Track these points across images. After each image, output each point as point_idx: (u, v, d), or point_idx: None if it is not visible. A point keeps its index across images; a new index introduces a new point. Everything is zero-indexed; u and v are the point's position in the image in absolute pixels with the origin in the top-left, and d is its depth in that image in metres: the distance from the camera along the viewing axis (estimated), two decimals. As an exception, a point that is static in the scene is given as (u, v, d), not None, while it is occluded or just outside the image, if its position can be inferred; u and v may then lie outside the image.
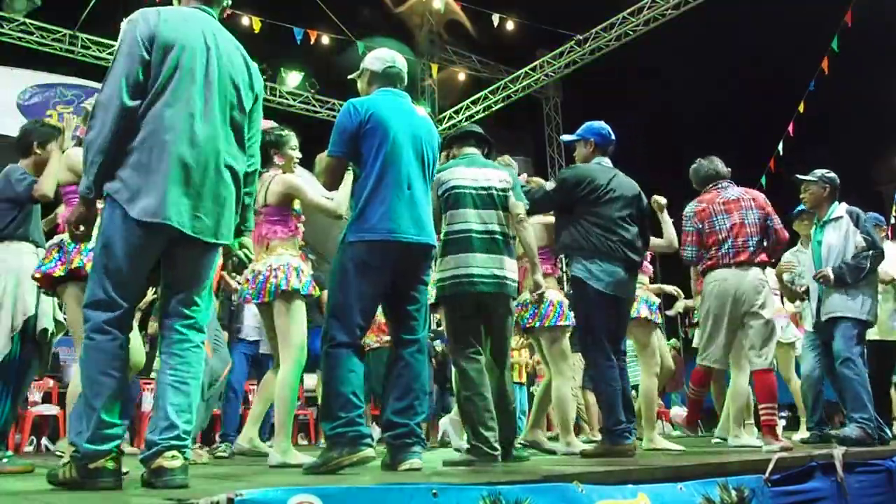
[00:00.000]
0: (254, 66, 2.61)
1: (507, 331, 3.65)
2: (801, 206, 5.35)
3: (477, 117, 13.86)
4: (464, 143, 3.79)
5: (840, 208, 4.53)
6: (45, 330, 3.84)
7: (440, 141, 3.35)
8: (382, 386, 3.11)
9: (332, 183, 3.16)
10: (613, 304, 3.81)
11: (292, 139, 3.96)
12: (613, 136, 4.13)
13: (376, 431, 5.46)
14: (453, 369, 3.64)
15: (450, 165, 3.66)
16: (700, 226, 4.27)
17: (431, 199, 3.42)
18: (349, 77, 3.41)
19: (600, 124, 4.14)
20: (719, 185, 4.38)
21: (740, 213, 4.21)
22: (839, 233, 4.46)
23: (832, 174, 4.60)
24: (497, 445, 3.33)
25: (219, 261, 2.57)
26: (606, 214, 3.83)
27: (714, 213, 4.25)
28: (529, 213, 3.78)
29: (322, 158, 3.34)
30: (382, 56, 3.28)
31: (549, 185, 4.07)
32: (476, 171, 3.61)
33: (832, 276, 4.34)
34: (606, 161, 4.07)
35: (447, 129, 14.55)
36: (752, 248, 4.16)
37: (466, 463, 3.28)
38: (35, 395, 6.86)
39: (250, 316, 5.42)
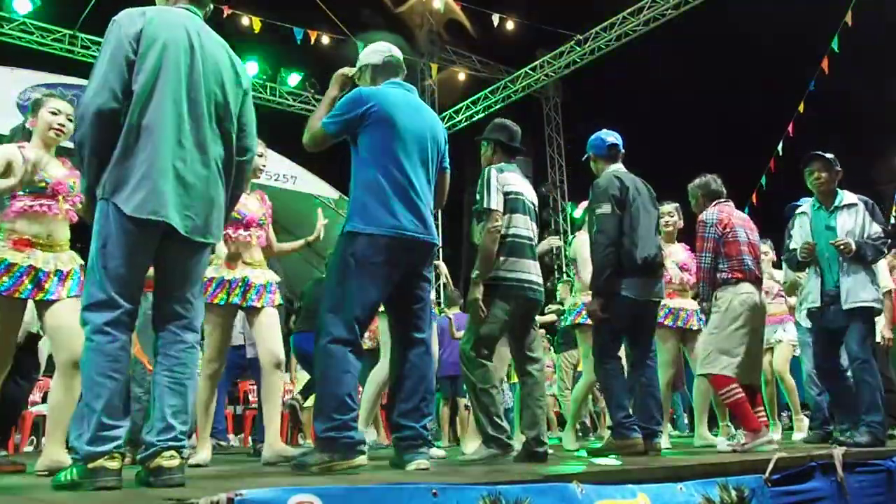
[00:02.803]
0: (240, 63, 2.61)
1: (536, 331, 3.77)
2: (799, 202, 5.34)
3: (477, 117, 13.85)
4: (512, 153, 3.83)
5: (850, 195, 4.44)
6: (30, 333, 3.98)
7: (447, 136, 3.32)
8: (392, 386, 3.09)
9: (312, 148, 3.07)
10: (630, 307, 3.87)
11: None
12: (611, 140, 4.09)
13: (371, 434, 5.38)
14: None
15: (510, 169, 3.70)
16: (720, 234, 4.24)
17: (490, 191, 3.51)
18: (349, 75, 3.23)
19: (595, 135, 4.15)
20: (728, 202, 4.45)
21: (752, 234, 4.33)
22: (856, 219, 4.33)
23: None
24: (512, 437, 3.40)
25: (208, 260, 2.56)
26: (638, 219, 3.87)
27: (734, 224, 4.27)
28: (603, 241, 3.82)
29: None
30: (379, 48, 3.22)
31: (602, 209, 3.86)
32: (524, 183, 3.73)
33: (854, 247, 4.17)
34: (620, 167, 4.07)
35: (447, 130, 14.56)
36: (759, 271, 4.29)
37: (488, 457, 3.33)
38: (35, 394, 6.85)
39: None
